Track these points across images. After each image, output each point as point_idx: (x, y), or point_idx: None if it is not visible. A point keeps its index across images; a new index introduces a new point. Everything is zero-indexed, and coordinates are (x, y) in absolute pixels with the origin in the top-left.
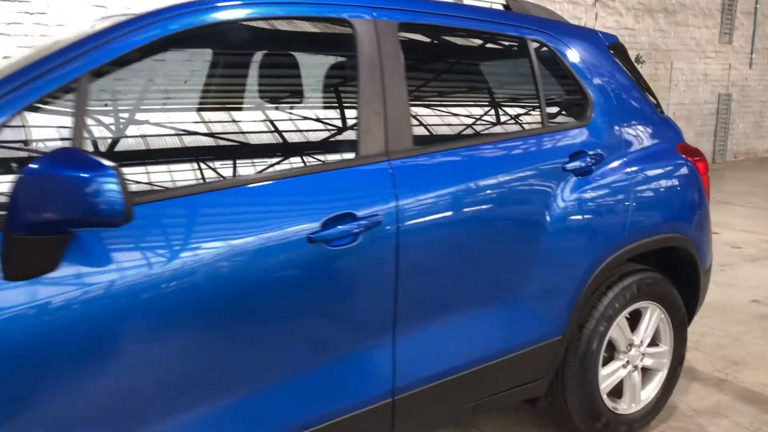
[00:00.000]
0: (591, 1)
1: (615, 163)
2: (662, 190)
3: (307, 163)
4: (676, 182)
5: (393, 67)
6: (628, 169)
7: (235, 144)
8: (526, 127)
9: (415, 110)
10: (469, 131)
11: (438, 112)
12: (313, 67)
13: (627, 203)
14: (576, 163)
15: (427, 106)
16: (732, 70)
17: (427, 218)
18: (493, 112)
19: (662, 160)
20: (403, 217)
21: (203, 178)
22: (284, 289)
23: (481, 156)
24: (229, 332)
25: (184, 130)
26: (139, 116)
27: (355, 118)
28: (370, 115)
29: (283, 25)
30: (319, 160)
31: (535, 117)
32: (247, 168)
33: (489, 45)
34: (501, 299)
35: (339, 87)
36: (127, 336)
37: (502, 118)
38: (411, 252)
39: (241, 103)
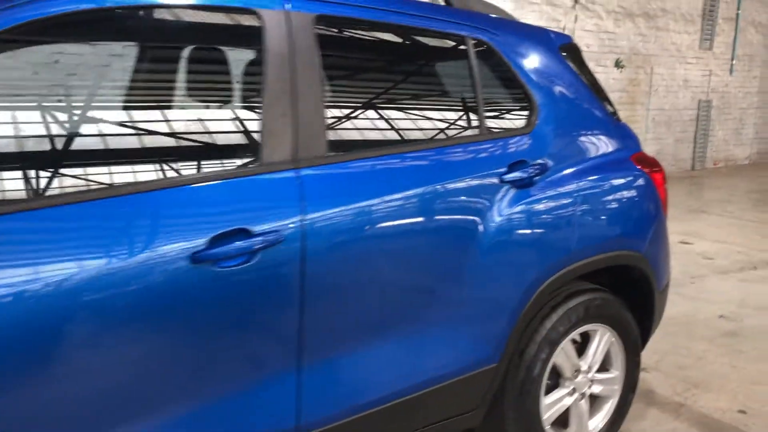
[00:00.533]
0: (570, 4)
1: (560, 174)
2: (613, 203)
3: (194, 171)
4: (629, 195)
5: (307, 64)
6: (576, 181)
7: (102, 148)
8: (461, 133)
9: (332, 113)
10: (394, 137)
11: (360, 116)
12: (215, 62)
13: (573, 218)
14: (515, 174)
15: (348, 109)
16: (712, 77)
17: (340, 235)
18: (423, 116)
19: (614, 171)
20: (310, 233)
21: (58, 187)
22: (159, 317)
23: (407, 165)
24: (72, 374)
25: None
26: None
27: (258, 120)
28: (276, 117)
29: (178, 15)
30: (210, 168)
31: (471, 123)
32: (114, 176)
33: (422, 42)
34: (428, 323)
35: (242, 86)
36: None
37: (434, 124)
38: (320, 273)
39: (112, 101)
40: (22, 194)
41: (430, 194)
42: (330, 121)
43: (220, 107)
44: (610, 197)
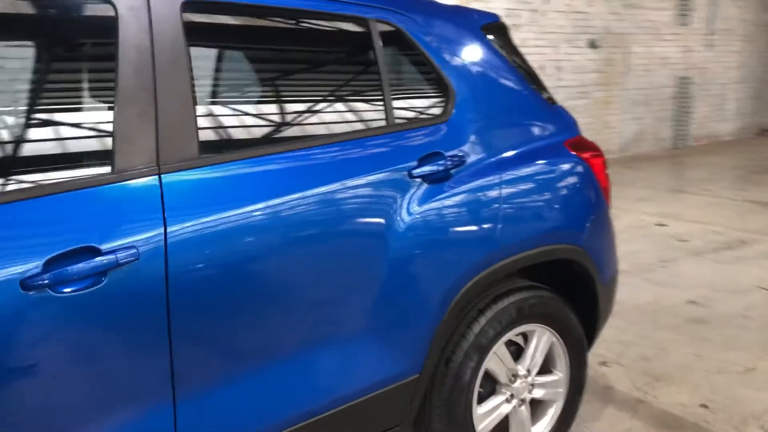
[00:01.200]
0: None
1: (482, 165)
2: (544, 193)
3: (29, 183)
4: (562, 184)
5: (172, 57)
6: (500, 172)
7: None
8: (363, 127)
9: (205, 111)
10: (284, 134)
11: (242, 113)
12: (61, 59)
13: (496, 212)
14: (427, 168)
15: (226, 106)
16: (692, 53)
17: (212, 249)
18: (319, 110)
19: (544, 159)
20: (175, 248)
21: None
22: None
23: (297, 165)
24: None
25: None
26: None
27: (109, 122)
28: (132, 117)
29: (17, 5)
30: (49, 179)
31: (376, 115)
32: None
33: (315, 27)
34: (331, 337)
35: (91, 84)
36: None
37: (331, 118)
38: (188, 294)
39: None
40: None
41: (324, 196)
42: (203, 120)
43: (62, 109)
44: (541, 187)
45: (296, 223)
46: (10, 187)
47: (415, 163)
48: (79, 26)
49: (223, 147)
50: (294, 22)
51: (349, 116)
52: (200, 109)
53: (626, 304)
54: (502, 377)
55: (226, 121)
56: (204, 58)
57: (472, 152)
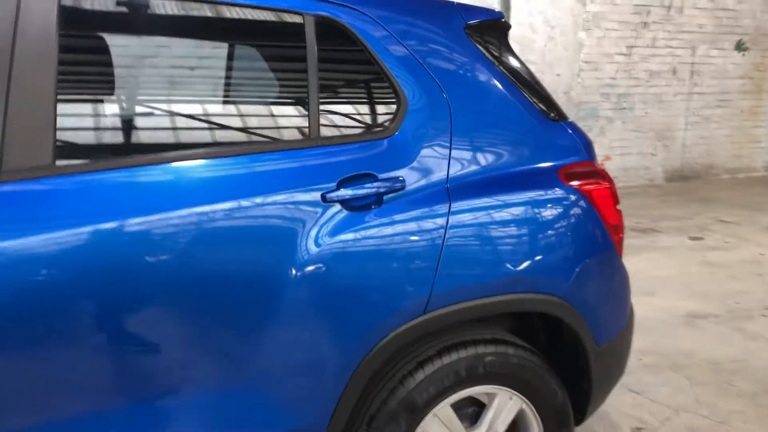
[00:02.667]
0: None
1: (426, 192)
2: (507, 230)
3: None
4: (539, 220)
5: (35, 51)
6: (449, 202)
7: None
8: (275, 137)
9: (71, 111)
10: (168, 141)
11: (128, 114)
12: None
13: (435, 251)
14: (347, 192)
15: (111, 104)
16: None
17: (45, 271)
18: (220, 115)
19: (519, 188)
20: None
21: None
22: None
23: (177, 179)
24: None
25: None
26: None
27: None
28: None
29: None
30: None
31: (296, 123)
32: None
33: (236, 20)
34: (207, 380)
35: None
36: None
37: (234, 125)
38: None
39: None
40: None
41: (206, 216)
42: (67, 121)
43: None
44: (506, 222)
45: (164, 246)
46: None
47: (332, 185)
48: None
49: (87, 155)
50: (211, 12)
51: (259, 124)
52: (60, 110)
53: (699, 356)
54: None
55: (105, 124)
56: (77, 51)
57: (417, 176)
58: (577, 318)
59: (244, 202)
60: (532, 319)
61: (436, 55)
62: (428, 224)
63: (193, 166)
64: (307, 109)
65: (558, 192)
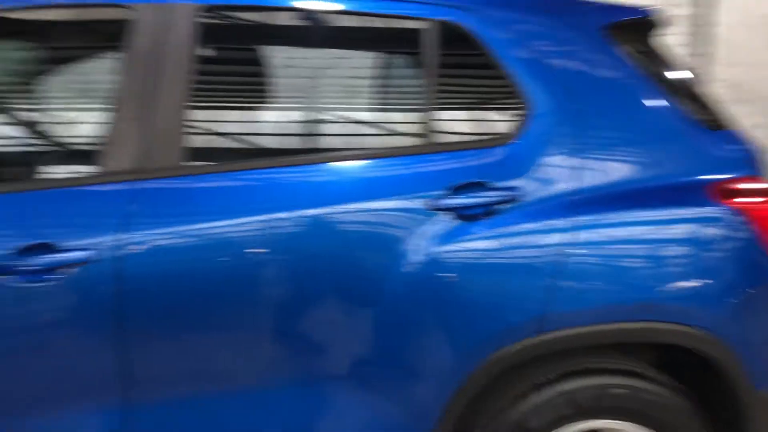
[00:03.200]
0: None
1: (546, 204)
2: (638, 251)
3: None
4: (686, 240)
5: (174, 60)
6: (571, 216)
7: None
8: (388, 143)
9: (194, 117)
10: (292, 146)
11: (250, 121)
12: None
13: (551, 269)
14: (457, 200)
15: (232, 112)
16: None
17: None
18: (337, 122)
19: (660, 206)
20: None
21: None
22: None
23: (291, 181)
24: None
25: None
26: None
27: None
28: (121, 122)
29: None
30: None
31: (412, 129)
32: None
33: (357, 29)
34: (310, 376)
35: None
36: None
37: (349, 131)
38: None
39: None
40: None
41: (315, 219)
42: (190, 126)
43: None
44: (639, 242)
45: (279, 244)
46: None
47: (442, 192)
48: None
49: (209, 157)
50: (335, 23)
51: (378, 130)
52: (187, 116)
53: None
54: None
55: (227, 129)
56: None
57: (537, 186)
58: (729, 356)
59: (361, 205)
60: (681, 353)
61: (566, 57)
62: (544, 239)
63: (315, 169)
64: (425, 116)
65: (708, 210)
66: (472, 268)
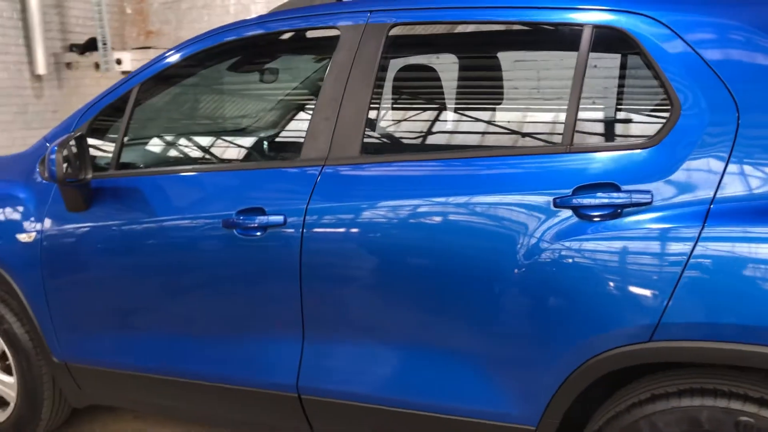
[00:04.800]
0: None
1: (677, 211)
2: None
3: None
4: None
5: (363, 74)
6: (701, 225)
7: None
8: (530, 142)
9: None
10: (442, 142)
11: (418, 120)
12: None
13: (671, 277)
14: (579, 200)
15: (400, 112)
16: None
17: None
18: (489, 121)
19: None
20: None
21: None
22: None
23: (438, 173)
24: None
25: None
26: None
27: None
28: (318, 119)
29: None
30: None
31: (554, 129)
32: None
33: (520, 35)
34: (438, 344)
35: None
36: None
37: (498, 130)
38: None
39: None
40: None
41: (451, 206)
42: (371, 125)
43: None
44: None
45: (423, 229)
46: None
47: (567, 192)
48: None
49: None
50: (501, 33)
51: (522, 130)
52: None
53: None
54: None
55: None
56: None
57: (672, 191)
58: None
59: (490, 198)
60: None
61: (731, 51)
62: (668, 247)
63: (469, 163)
64: (569, 117)
65: None
66: (584, 267)
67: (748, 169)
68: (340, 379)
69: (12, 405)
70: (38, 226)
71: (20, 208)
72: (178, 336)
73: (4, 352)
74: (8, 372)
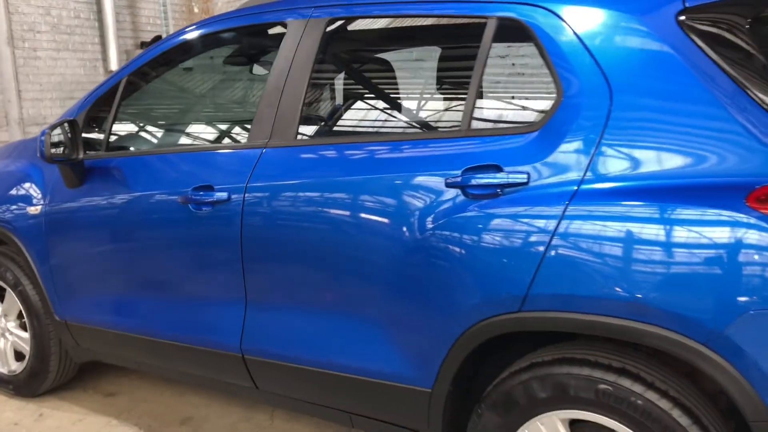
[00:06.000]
0: None
1: (548, 191)
2: (646, 250)
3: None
4: (702, 244)
5: (299, 72)
6: (568, 204)
7: None
8: (430, 128)
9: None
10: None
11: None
12: None
13: (537, 251)
14: (466, 180)
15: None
16: None
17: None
18: (394, 109)
19: (680, 204)
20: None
21: None
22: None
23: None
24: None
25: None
26: None
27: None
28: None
29: None
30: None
31: (453, 116)
32: None
33: (429, 29)
34: (346, 309)
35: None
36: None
37: (403, 117)
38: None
39: None
40: None
41: (357, 185)
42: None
43: None
44: (642, 241)
45: (333, 203)
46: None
47: (457, 172)
48: None
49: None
50: (415, 27)
51: (427, 117)
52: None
53: None
54: None
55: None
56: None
57: (547, 172)
58: (729, 375)
59: (394, 177)
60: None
61: (610, 37)
62: (536, 223)
63: (367, 147)
64: (466, 104)
65: (738, 216)
66: (468, 241)
67: (615, 151)
68: (275, 341)
69: (27, 358)
70: (43, 200)
71: (31, 185)
72: (145, 298)
73: (20, 311)
74: (25, 329)
